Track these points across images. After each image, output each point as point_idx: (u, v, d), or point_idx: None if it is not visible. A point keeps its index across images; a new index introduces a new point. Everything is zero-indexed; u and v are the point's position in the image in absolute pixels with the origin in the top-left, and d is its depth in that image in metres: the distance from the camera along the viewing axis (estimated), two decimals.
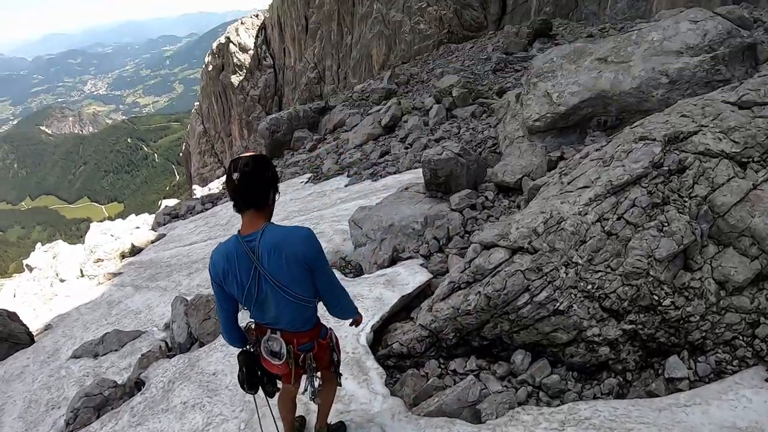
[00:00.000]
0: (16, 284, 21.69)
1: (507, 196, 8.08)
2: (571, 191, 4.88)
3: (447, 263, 6.61)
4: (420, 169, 13.21)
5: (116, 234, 21.76)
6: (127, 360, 7.76)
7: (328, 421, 3.95)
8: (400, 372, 5.02)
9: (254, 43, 59.15)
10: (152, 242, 19.33)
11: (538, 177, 7.88)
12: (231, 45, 59.43)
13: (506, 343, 4.69)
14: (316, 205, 13.66)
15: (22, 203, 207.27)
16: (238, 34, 60.03)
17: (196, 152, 66.25)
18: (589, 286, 4.26)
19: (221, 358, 5.81)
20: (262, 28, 60.05)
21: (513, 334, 4.57)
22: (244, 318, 3.11)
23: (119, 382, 6.52)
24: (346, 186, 15.00)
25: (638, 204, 4.34)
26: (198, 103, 68.90)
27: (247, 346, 3.16)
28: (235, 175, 2.53)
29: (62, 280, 18.11)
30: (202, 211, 22.36)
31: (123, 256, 18.40)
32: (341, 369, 3.53)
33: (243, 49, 59.33)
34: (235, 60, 59.09)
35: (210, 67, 62.87)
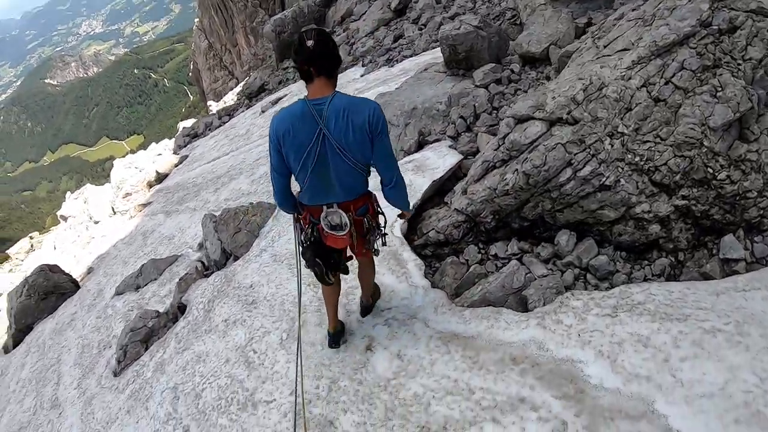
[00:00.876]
0: (54, 236, 22.15)
1: (534, 68, 7.40)
2: (609, 55, 4.32)
3: (477, 142, 6.12)
4: (438, 49, 12.54)
5: (140, 165, 21.71)
6: (166, 287, 7.71)
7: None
8: (439, 261, 4.71)
9: None
10: (176, 166, 19.29)
11: (565, 45, 7.21)
12: None
13: (549, 223, 4.30)
14: None
15: (44, 158, 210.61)
16: None
17: (205, 69, 64.60)
18: (637, 159, 3.82)
19: (256, 270, 5.63)
20: None
21: (556, 214, 4.16)
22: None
23: (162, 311, 6.47)
24: (362, 76, 14.31)
25: (687, 67, 3.82)
26: (198, 19, 66.22)
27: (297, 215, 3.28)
28: (310, 42, 2.63)
29: (96, 222, 18.34)
30: (220, 126, 22.17)
31: (150, 185, 18.42)
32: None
33: None
34: None
35: None
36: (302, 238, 3.29)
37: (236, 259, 6.71)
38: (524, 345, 3.35)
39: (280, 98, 18.18)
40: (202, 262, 7.80)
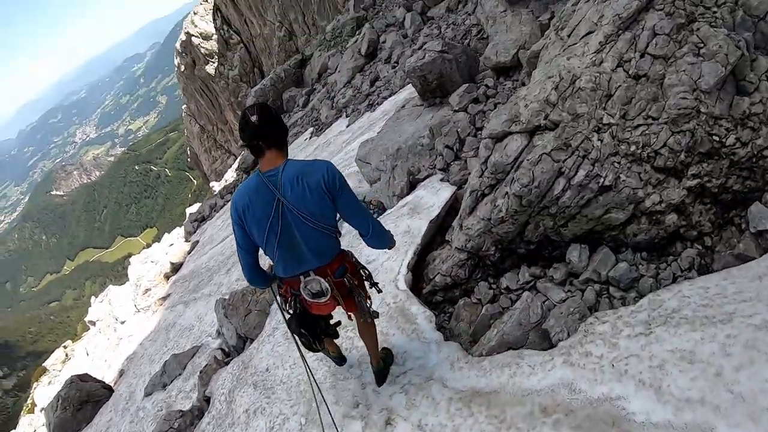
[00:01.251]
0: (85, 343, 22.16)
1: (508, 77, 7.24)
2: (575, 43, 4.05)
3: (468, 168, 5.94)
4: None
5: (155, 259, 21.87)
6: (191, 381, 7.53)
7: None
8: (452, 304, 4.42)
9: (214, 26, 57.11)
10: (189, 253, 19.34)
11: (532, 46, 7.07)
12: (193, 38, 57.48)
13: (556, 241, 3.97)
14: (324, 157, 13.04)
15: (65, 267, 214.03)
16: (195, 25, 57.96)
17: (201, 151, 65.83)
18: (633, 147, 3.49)
19: (270, 351, 5.40)
20: (216, 9, 57.78)
21: (560, 229, 3.84)
22: None
23: (187, 408, 6.25)
24: (347, 127, 14.37)
25: (660, 31, 3.51)
26: (185, 105, 67.92)
27: (273, 287, 3.31)
28: (254, 118, 2.64)
29: (122, 322, 18.33)
30: (224, 205, 22.26)
31: (167, 277, 18.50)
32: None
33: (206, 37, 57.37)
34: (202, 50, 57.28)
35: (182, 68, 61.26)
36: (288, 308, 3.28)
37: (252, 341, 6.50)
38: (553, 390, 3.00)
39: None
40: (222, 350, 7.62)
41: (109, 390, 11.17)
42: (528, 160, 3.65)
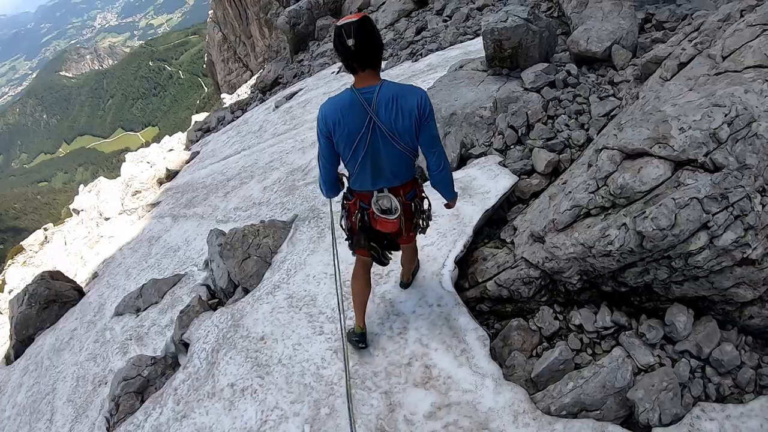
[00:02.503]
0: (66, 231, 21.60)
1: (592, 69, 6.33)
2: (738, 71, 3.26)
3: (531, 159, 5.12)
4: (468, 43, 11.54)
5: (152, 160, 21.15)
6: (167, 315, 6.85)
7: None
8: (499, 319, 3.69)
9: None
10: (187, 162, 18.63)
11: (629, 45, 6.16)
12: None
13: (657, 293, 3.25)
14: None
15: (60, 150, 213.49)
16: None
17: (219, 61, 63.92)
18: None
19: (268, 314, 4.62)
20: None
21: (672, 285, 3.10)
22: None
23: (159, 354, 5.63)
24: (383, 71, 13.23)
25: None
26: (212, 11, 65.57)
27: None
28: (350, 42, 2.56)
29: (106, 219, 17.74)
30: (232, 120, 21.47)
31: (160, 182, 17.88)
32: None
33: None
34: None
35: None
36: (347, 224, 3.32)
37: (245, 291, 5.78)
38: None
39: (294, 93, 17.22)
40: (208, 286, 6.92)
41: (79, 292, 10.78)
42: (674, 199, 2.82)
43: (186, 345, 5.40)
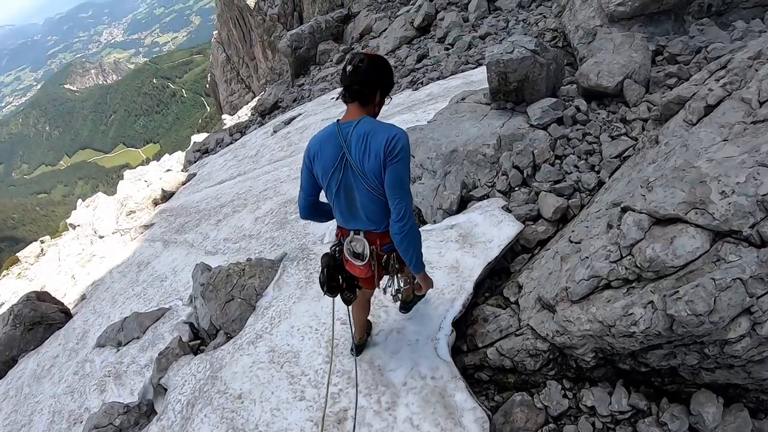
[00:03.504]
0: (60, 246, 21.30)
1: (602, 105, 5.98)
2: None
3: (537, 203, 4.77)
4: (470, 72, 11.27)
5: (150, 179, 20.90)
6: (147, 353, 6.57)
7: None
8: (500, 391, 3.29)
9: None
10: (183, 184, 18.42)
11: (642, 79, 5.81)
12: None
13: (683, 377, 2.85)
14: None
15: (61, 162, 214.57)
16: None
17: (222, 81, 64.28)
18: None
19: (248, 369, 4.23)
20: None
21: (701, 371, 2.71)
22: None
23: (133, 402, 5.25)
24: None
25: None
26: (217, 31, 66.15)
27: (332, 250, 3.18)
28: (348, 68, 2.57)
29: (101, 237, 17.48)
30: (231, 143, 21.38)
31: (155, 203, 17.68)
32: None
33: None
34: None
35: None
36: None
37: (227, 336, 5.39)
38: None
39: (293, 117, 17.00)
40: (191, 324, 6.55)
41: (66, 314, 10.56)
42: (713, 279, 2.38)
43: (165, 389, 5.05)
